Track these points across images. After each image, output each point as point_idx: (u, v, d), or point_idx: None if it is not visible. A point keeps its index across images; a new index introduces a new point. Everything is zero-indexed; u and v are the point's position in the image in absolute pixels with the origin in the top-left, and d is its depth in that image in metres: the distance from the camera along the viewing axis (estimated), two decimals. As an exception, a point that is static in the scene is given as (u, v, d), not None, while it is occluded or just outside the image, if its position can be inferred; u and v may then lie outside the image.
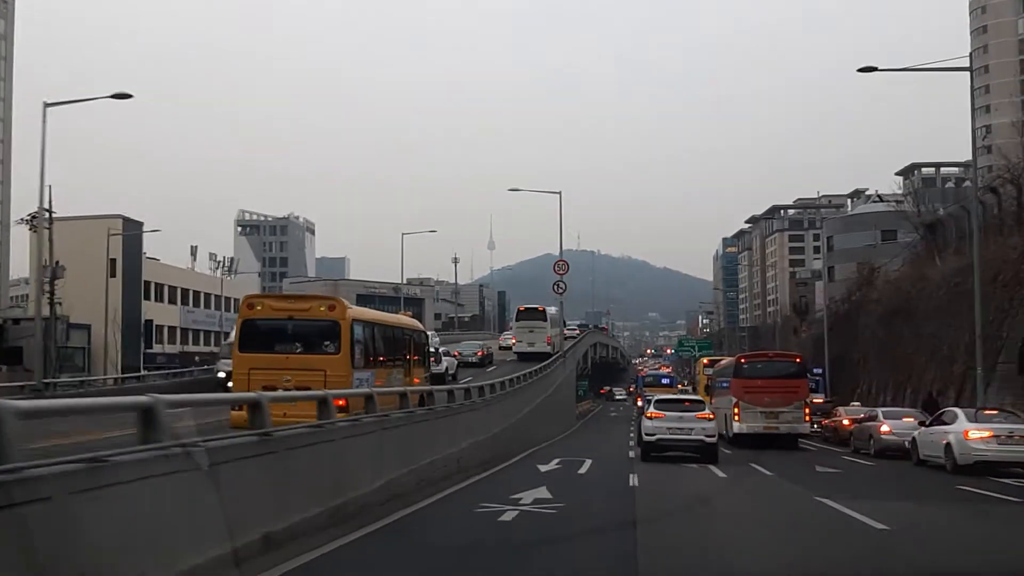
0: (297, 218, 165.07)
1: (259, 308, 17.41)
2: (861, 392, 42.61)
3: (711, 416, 22.45)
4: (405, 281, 76.90)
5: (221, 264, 78.95)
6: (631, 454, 23.99)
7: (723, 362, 42.11)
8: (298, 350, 16.97)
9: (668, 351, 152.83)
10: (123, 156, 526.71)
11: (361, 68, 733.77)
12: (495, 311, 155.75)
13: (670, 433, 21.75)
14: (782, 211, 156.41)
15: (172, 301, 68.04)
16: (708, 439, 21.61)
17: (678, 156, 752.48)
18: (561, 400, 39.08)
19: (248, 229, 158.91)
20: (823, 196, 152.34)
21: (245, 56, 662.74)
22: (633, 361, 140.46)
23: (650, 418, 22.48)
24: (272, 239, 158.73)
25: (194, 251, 75.57)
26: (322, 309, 17.09)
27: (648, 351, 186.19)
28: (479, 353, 41.98)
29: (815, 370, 43.60)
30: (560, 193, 39.51)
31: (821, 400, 37.18)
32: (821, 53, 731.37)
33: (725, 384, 32.38)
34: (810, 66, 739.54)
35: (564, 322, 54.39)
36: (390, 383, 18.00)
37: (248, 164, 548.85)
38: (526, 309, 46.42)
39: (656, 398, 24.95)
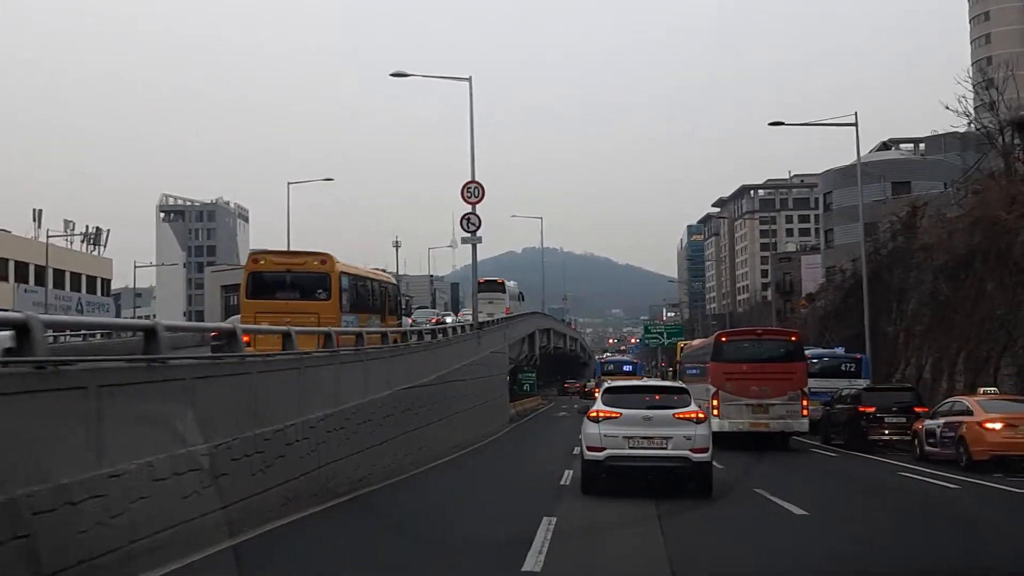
0: (227, 203, 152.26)
1: (262, 262, 20.23)
2: (905, 376, 32.04)
3: (700, 415, 13.53)
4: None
5: (87, 236, 64.10)
6: (545, 528, 9.65)
7: (695, 343, 36.31)
8: (296, 297, 19.57)
9: (633, 341, 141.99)
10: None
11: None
12: (448, 303, 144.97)
13: (631, 446, 13.14)
14: (752, 191, 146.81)
15: (2, 278, 53.00)
16: (696, 455, 13.06)
17: (642, 153, 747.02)
18: (468, 395, 25.49)
19: (172, 215, 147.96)
20: (795, 176, 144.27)
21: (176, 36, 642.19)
22: (597, 357, 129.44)
23: (596, 420, 13.39)
24: (199, 226, 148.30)
25: (37, 215, 58.38)
26: (315, 263, 19.82)
27: (611, 340, 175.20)
28: (432, 320, 42.48)
29: (836, 349, 33.76)
30: (470, 79, 27.90)
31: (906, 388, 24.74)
32: (789, 44, 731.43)
33: (695, 370, 27.26)
34: (779, 52, 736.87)
35: (520, 295, 56.24)
36: (370, 325, 20.56)
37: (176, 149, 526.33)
38: (486, 281, 48.07)
39: (607, 386, 15.14)
